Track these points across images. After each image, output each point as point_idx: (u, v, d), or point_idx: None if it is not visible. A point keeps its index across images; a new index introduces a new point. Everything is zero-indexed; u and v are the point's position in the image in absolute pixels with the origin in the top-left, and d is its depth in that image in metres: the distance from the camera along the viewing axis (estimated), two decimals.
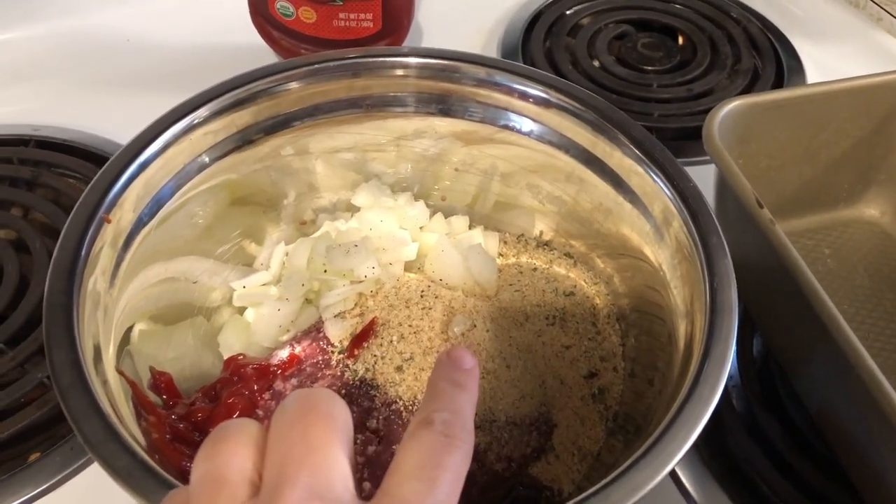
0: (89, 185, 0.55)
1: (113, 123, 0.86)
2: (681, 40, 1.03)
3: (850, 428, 0.58)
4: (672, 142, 0.85)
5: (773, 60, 1.00)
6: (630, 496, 0.42)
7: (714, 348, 0.48)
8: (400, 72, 0.67)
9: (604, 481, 0.42)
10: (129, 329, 0.58)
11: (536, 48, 0.99)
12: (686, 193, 0.57)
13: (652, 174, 0.59)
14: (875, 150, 0.76)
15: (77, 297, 0.49)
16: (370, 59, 0.66)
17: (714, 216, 0.56)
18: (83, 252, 0.51)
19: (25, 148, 0.84)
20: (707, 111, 0.68)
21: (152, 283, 0.61)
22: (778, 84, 0.97)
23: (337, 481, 0.33)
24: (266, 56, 0.95)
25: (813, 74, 0.99)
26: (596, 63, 0.99)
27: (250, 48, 0.94)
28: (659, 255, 0.60)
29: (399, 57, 0.66)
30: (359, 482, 0.53)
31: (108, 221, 0.54)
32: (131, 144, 0.57)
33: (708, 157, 0.77)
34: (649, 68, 0.98)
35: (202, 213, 0.65)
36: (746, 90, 0.96)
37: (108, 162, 0.56)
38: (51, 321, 0.47)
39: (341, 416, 0.35)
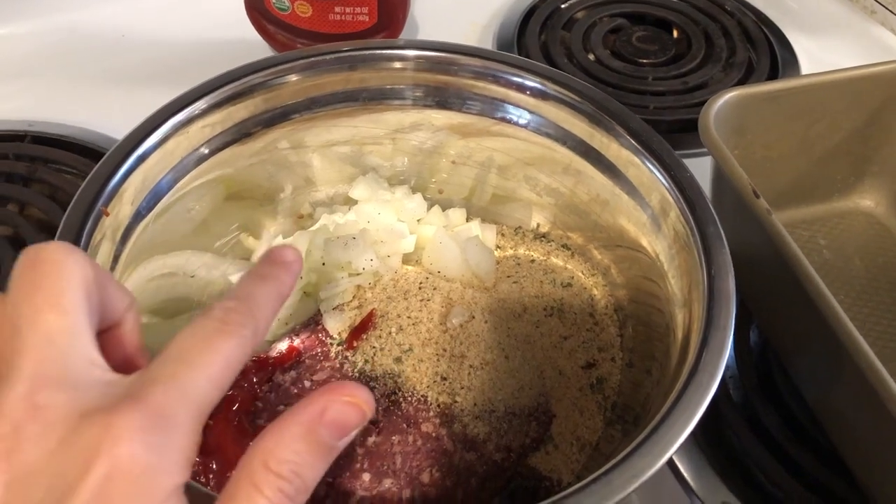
0: (87, 178, 0.55)
1: (109, 118, 0.86)
2: (675, 33, 1.04)
3: (848, 417, 0.58)
4: (667, 134, 0.84)
5: (768, 53, 1.00)
6: (630, 483, 0.42)
7: (712, 337, 0.49)
8: (397, 64, 0.67)
9: (604, 468, 0.42)
10: None
11: (532, 41, 0.99)
12: (683, 184, 0.57)
13: (649, 165, 0.60)
14: (869, 142, 0.77)
15: None
16: (367, 52, 0.66)
17: (711, 206, 0.56)
18: (81, 245, 0.51)
19: (21, 143, 0.84)
20: (702, 104, 0.68)
21: (151, 277, 0.61)
22: (772, 77, 0.97)
23: (74, 358, 0.30)
24: (261, 51, 0.95)
25: (807, 67, 0.99)
26: (591, 56, 0.99)
27: (246, 43, 0.94)
28: (656, 245, 0.60)
29: (396, 49, 0.66)
30: (358, 473, 0.53)
31: (107, 214, 0.54)
32: (130, 137, 0.57)
33: (703, 150, 0.78)
34: (644, 61, 0.98)
35: (199, 207, 0.65)
36: (741, 83, 0.96)
37: (107, 154, 0.56)
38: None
39: (74, 268, 0.32)
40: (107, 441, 0.27)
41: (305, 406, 0.33)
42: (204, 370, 0.31)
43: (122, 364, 0.36)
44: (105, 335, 0.36)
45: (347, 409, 0.34)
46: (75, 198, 0.53)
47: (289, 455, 0.31)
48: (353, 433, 0.34)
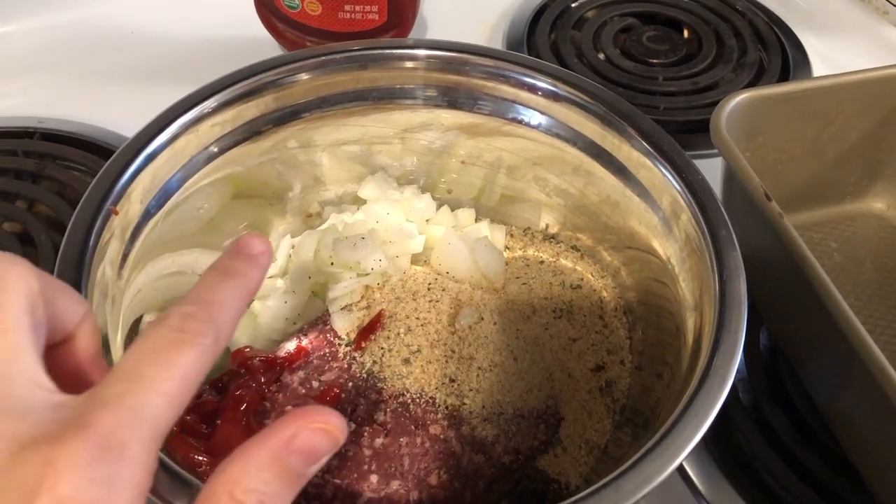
0: (97, 176, 0.54)
1: (118, 116, 0.86)
2: (686, 33, 1.03)
3: (859, 421, 0.58)
4: (677, 135, 0.83)
5: (779, 54, 0.99)
6: (640, 489, 0.42)
7: (724, 341, 0.48)
8: (408, 64, 0.66)
9: (614, 473, 0.42)
10: (138, 321, 0.58)
11: (542, 41, 0.98)
12: (695, 186, 0.57)
13: (660, 167, 0.59)
14: (882, 144, 0.76)
15: (85, 289, 0.49)
16: (378, 51, 0.66)
17: (723, 209, 0.56)
18: (91, 243, 0.51)
19: (30, 140, 0.84)
20: (713, 104, 0.68)
21: (159, 275, 0.61)
22: (784, 78, 0.97)
23: (15, 380, 0.28)
24: (271, 49, 0.95)
25: (819, 68, 0.99)
26: (601, 56, 0.98)
27: (255, 41, 0.94)
28: (667, 248, 0.60)
29: (407, 49, 0.66)
30: (366, 475, 0.53)
31: (116, 213, 0.54)
32: (139, 135, 0.57)
33: (713, 151, 0.78)
34: (655, 61, 0.97)
35: (208, 205, 0.65)
36: (752, 84, 0.95)
37: (116, 153, 0.56)
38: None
39: (13, 280, 0.30)
40: (48, 478, 0.25)
41: (274, 431, 0.31)
42: (158, 387, 0.28)
43: (75, 381, 0.34)
44: (56, 350, 0.34)
45: (318, 435, 0.31)
46: (85, 196, 0.53)
47: (255, 484, 0.29)
48: (324, 460, 0.32)
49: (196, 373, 0.30)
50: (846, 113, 0.73)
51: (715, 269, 0.52)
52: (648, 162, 0.60)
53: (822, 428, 0.62)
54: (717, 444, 0.62)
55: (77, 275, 0.49)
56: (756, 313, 0.68)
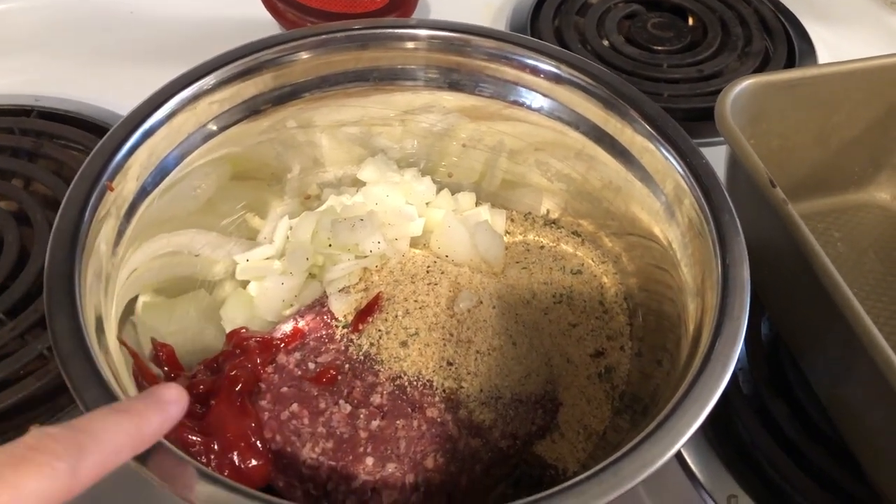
0: (93, 152, 0.54)
1: (116, 95, 0.85)
2: (691, 21, 1.02)
3: (861, 411, 0.57)
4: (681, 122, 0.84)
5: (785, 43, 0.98)
6: (639, 473, 0.41)
7: (726, 327, 0.48)
8: (409, 44, 0.66)
9: (613, 457, 0.41)
10: (133, 301, 0.58)
11: (545, 26, 0.97)
12: (699, 171, 0.56)
13: (664, 151, 0.58)
14: (888, 133, 0.75)
15: (79, 265, 0.48)
16: (379, 31, 0.65)
17: (727, 193, 0.55)
18: (86, 219, 0.51)
19: (27, 118, 0.83)
20: (717, 92, 0.67)
21: (155, 255, 0.60)
22: (789, 67, 0.96)
23: None
24: (271, 29, 0.94)
25: (825, 57, 0.98)
26: (605, 42, 0.97)
27: (255, 21, 0.93)
28: (669, 233, 0.59)
29: (408, 29, 0.65)
30: (361, 457, 0.53)
31: (111, 189, 0.53)
32: (136, 111, 0.56)
33: (717, 139, 0.77)
34: (659, 48, 0.97)
35: (205, 185, 0.64)
36: (757, 72, 0.94)
37: (113, 128, 0.55)
38: (52, 288, 0.47)
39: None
40: None
41: None
42: None
43: None
44: None
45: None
46: (80, 171, 0.53)
47: None
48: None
49: (36, 497, 0.27)
50: (852, 101, 0.72)
51: (718, 253, 0.52)
52: (651, 146, 0.59)
53: (823, 418, 0.62)
54: (717, 433, 0.62)
55: (71, 249, 0.48)
56: (758, 302, 0.68)
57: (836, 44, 1.00)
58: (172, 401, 0.36)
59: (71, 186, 0.52)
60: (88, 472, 0.29)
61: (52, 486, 0.27)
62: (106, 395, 0.42)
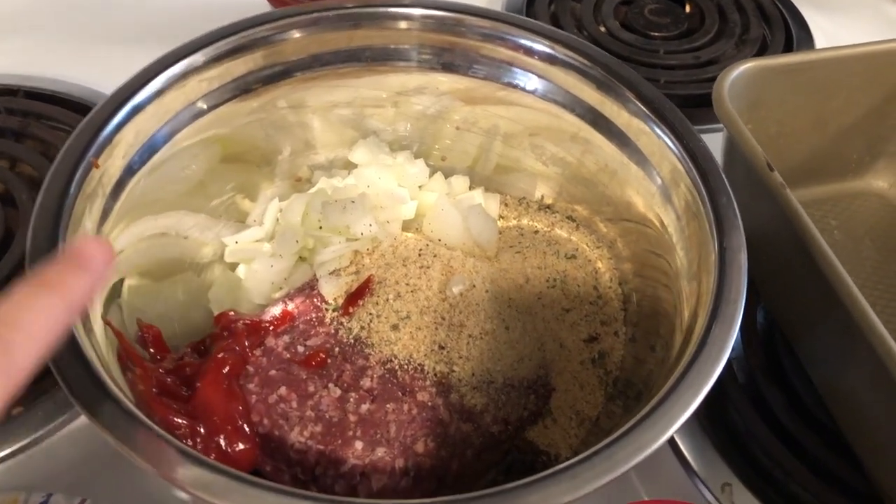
0: (79, 127, 0.53)
1: (104, 75, 0.82)
2: (688, 7, 1.01)
3: (856, 399, 0.56)
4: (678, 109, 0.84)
5: (783, 30, 0.97)
6: (633, 457, 0.40)
7: (722, 310, 0.47)
8: (402, 24, 0.64)
9: (606, 441, 0.41)
10: (119, 283, 0.56)
11: (541, 10, 0.96)
12: (696, 153, 0.55)
13: (660, 133, 0.58)
14: (886, 120, 0.75)
15: (63, 243, 0.47)
16: (371, 10, 0.64)
17: (724, 176, 0.54)
18: (70, 196, 0.49)
19: (13, 98, 0.81)
20: (714, 79, 0.66)
21: (142, 236, 0.59)
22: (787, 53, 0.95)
23: None
24: (262, 8, 0.92)
25: (822, 45, 0.97)
26: (602, 28, 0.96)
27: (246, 1, 0.92)
28: (665, 217, 0.58)
29: (401, 8, 0.64)
30: (350, 441, 0.52)
31: (97, 166, 0.52)
32: (124, 87, 0.55)
33: (714, 126, 0.76)
34: (656, 34, 0.96)
35: (195, 166, 0.63)
36: None
37: (99, 104, 0.54)
38: (35, 266, 0.45)
39: None
40: None
41: None
42: None
43: None
44: None
45: None
46: (65, 147, 0.52)
47: None
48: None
49: None
50: (850, 87, 0.71)
51: (714, 236, 0.51)
52: (648, 128, 0.59)
53: (819, 406, 0.61)
54: (711, 420, 0.61)
55: (54, 226, 0.47)
56: (754, 289, 0.67)
57: (833, 32, 1.00)
58: (93, 255, 0.32)
59: (55, 162, 0.51)
60: (22, 364, 0.28)
61: None
62: (89, 375, 0.41)
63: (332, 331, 0.58)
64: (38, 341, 0.29)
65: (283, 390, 0.54)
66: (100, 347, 0.47)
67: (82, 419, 0.57)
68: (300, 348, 0.57)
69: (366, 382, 0.55)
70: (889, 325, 0.67)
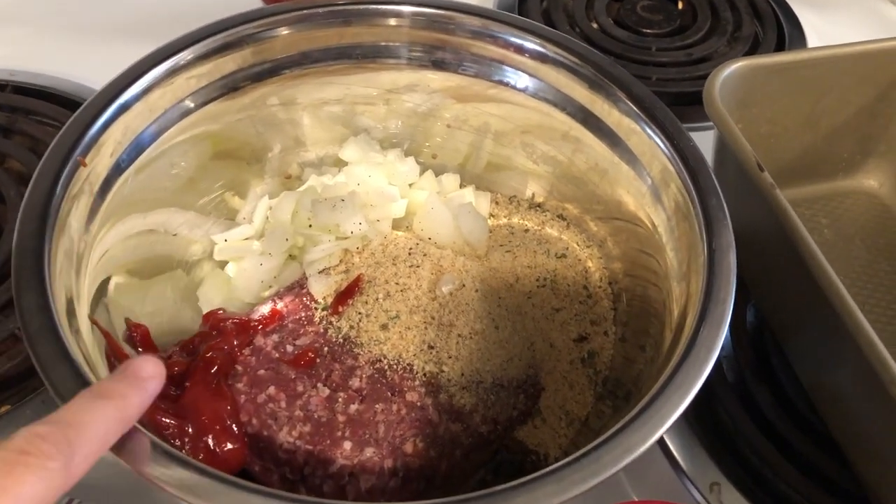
0: (66, 125, 0.52)
1: (93, 70, 0.82)
2: (681, 4, 1.01)
3: (844, 398, 0.56)
4: (669, 106, 0.83)
5: (775, 27, 0.97)
6: (621, 459, 0.40)
7: (711, 310, 0.47)
8: (392, 21, 0.64)
9: (594, 443, 0.41)
10: (106, 282, 0.56)
11: (533, 6, 0.96)
12: (686, 153, 0.55)
13: (651, 133, 0.57)
14: (877, 119, 0.75)
15: (49, 241, 0.47)
16: (362, 7, 0.63)
17: (714, 176, 0.54)
18: (57, 194, 0.49)
19: (2, 93, 0.81)
20: (706, 77, 0.67)
21: (130, 234, 0.59)
22: (779, 51, 0.95)
23: None
24: (251, 4, 0.91)
25: (814, 43, 0.97)
26: (594, 25, 0.96)
27: None
28: (655, 217, 0.58)
29: (392, 5, 0.64)
30: (339, 441, 0.52)
31: (84, 165, 0.52)
32: (111, 85, 0.55)
33: (705, 124, 0.76)
34: (648, 31, 0.96)
35: (184, 163, 0.63)
36: (747, 57, 0.93)
37: (87, 101, 0.54)
38: (21, 264, 0.45)
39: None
40: None
41: None
42: None
43: None
44: None
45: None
46: (52, 145, 0.51)
47: None
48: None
49: (35, 500, 0.27)
50: (841, 86, 0.71)
51: (704, 237, 0.51)
52: (638, 127, 0.58)
53: (807, 405, 0.61)
54: (700, 421, 0.61)
55: (41, 224, 0.47)
56: (743, 288, 0.67)
57: (825, 29, 0.99)
58: (150, 376, 0.36)
59: (42, 160, 0.50)
60: (79, 465, 0.30)
61: (47, 487, 0.28)
62: (74, 375, 0.41)
63: (322, 330, 0.58)
64: (96, 446, 0.31)
65: (271, 390, 0.54)
66: (86, 347, 0.47)
67: None
68: (289, 348, 0.57)
69: (355, 382, 0.55)
70: (877, 324, 0.68)
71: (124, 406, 0.33)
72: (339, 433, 0.52)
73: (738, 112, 0.66)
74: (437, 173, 0.72)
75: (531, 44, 0.63)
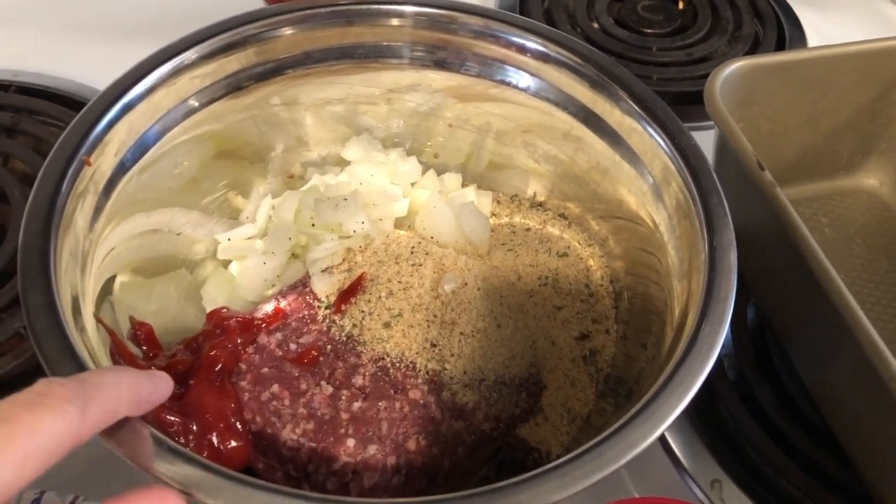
0: (70, 125, 0.53)
1: (96, 70, 0.83)
2: (681, 4, 1.01)
3: (845, 395, 0.57)
4: (670, 106, 0.83)
5: (775, 27, 0.98)
6: (623, 455, 0.41)
7: (712, 309, 0.47)
8: (395, 21, 0.64)
9: (596, 439, 0.41)
10: (110, 281, 0.56)
11: (534, 6, 0.96)
12: (687, 152, 0.55)
13: (652, 132, 0.58)
14: (877, 118, 0.75)
15: (54, 240, 0.47)
16: (364, 7, 0.64)
17: (715, 175, 0.54)
18: (62, 194, 0.49)
19: (5, 93, 0.81)
20: (706, 76, 0.67)
21: (134, 233, 0.59)
22: (779, 51, 0.95)
23: None
24: (254, 4, 0.92)
25: (815, 42, 0.97)
26: (595, 24, 0.97)
27: None
28: (656, 215, 0.58)
29: (394, 5, 0.64)
30: (342, 438, 0.52)
31: (89, 164, 0.52)
32: (115, 85, 0.55)
33: (706, 124, 0.76)
34: (649, 31, 0.96)
35: (187, 163, 0.63)
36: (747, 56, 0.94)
37: (91, 101, 0.54)
38: (26, 262, 0.46)
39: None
40: None
41: None
42: (7, 452, 0.26)
43: None
44: None
45: None
46: (57, 145, 0.52)
47: None
48: None
49: (55, 439, 0.28)
50: (842, 85, 0.72)
51: (705, 235, 0.51)
52: (640, 127, 0.59)
53: (809, 404, 0.61)
54: (701, 418, 0.61)
55: (46, 223, 0.47)
56: (744, 286, 0.67)
57: (826, 29, 1.00)
58: (164, 378, 0.38)
59: (47, 160, 0.51)
60: (93, 419, 0.31)
61: (64, 429, 0.29)
62: (79, 372, 0.41)
63: (325, 328, 0.58)
64: (109, 407, 0.33)
65: (275, 388, 0.54)
66: (92, 345, 0.47)
67: None
68: (293, 346, 0.57)
69: (358, 380, 0.55)
70: (877, 322, 0.68)
71: (138, 384, 0.35)
72: (343, 431, 0.52)
73: (738, 111, 0.67)
74: (439, 172, 0.73)
75: (533, 44, 0.63)
